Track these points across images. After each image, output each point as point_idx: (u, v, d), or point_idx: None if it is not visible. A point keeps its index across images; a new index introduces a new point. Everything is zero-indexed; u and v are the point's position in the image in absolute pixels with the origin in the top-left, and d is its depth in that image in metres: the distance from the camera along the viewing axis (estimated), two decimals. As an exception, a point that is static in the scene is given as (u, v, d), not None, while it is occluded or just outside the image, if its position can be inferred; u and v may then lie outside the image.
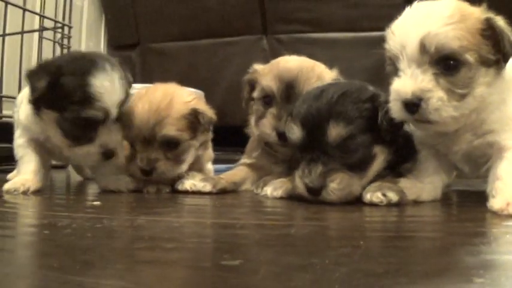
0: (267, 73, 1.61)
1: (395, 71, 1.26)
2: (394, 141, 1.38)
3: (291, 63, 1.61)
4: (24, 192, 1.49)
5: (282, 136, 1.51)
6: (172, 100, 1.58)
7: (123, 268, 0.74)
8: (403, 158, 1.44)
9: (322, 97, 1.34)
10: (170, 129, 1.55)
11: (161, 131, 1.54)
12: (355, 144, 1.33)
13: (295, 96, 1.51)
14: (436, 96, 1.20)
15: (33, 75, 1.46)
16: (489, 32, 1.22)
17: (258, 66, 1.69)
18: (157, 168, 1.56)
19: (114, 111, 1.48)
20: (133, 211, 1.34)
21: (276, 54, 3.13)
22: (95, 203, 1.38)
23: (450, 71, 1.21)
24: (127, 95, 1.54)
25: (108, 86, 1.45)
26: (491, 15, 1.24)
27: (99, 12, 3.92)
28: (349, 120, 1.31)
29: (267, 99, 1.59)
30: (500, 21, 1.24)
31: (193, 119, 1.60)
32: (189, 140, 1.60)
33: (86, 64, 1.47)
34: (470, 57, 1.21)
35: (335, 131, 1.31)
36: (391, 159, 1.40)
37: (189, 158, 1.64)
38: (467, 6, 1.26)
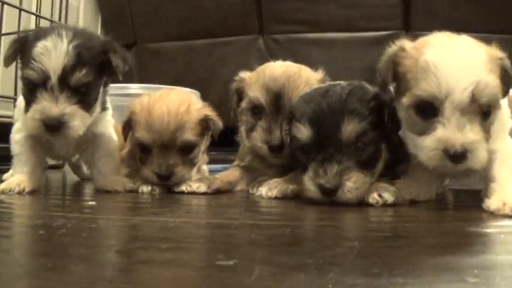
0: (254, 83, 1.60)
1: (429, 114, 1.21)
2: (391, 140, 1.39)
3: (277, 71, 1.59)
4: (20, 193, 1.49)
5: (273, 149, 1.52)
6: (190, 106, 1.61)
7: (118, 268, 0.74)
8: (398, 157, 1.44)
9: (330, 96, 1.34)
10: (190, 134, 1.58)
11: (182, 135, 1.56)
12: (367, 141, 1.33)
13: (284, 107, 1.51)
14: (482, 147, 1.19)
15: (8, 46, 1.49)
16: (502, 72, 1.23)
17: (244, 74, 1.68)
18: (176, 173, 1.58)
19: (54, 75, 1.38)
20: (128, 211, 1.34)
21: (272, 54, 3.15)
22: (91, 203, 1.38)
23: (485, 117, 1.21)
24: (82, 64, 1.41)
25: (49, 47, 1.39)
26: (502, 54, 1.25)
27: (95, 12, 3.91)
28: (362, 117, 1.31)
29: (256, 110, 1.59)
30: (506, 60, 1.25)
31: (204, 125, 1.65)
32: (200, 144, 1.64)
33: (44, 30, 1.47)
34: (501, 101, 1.23)
35: (350, 128, 1.30)
36: (388, 159, 1.41)
37: (199, 161, 1.69)
38: (487, 46, 1.25)
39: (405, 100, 1.24)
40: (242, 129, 1.68)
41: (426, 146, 1.21)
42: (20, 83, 1.61)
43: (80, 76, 1.41)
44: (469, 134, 1.17)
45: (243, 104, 1.63)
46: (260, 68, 1.65)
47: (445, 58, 1.19)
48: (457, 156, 1.17)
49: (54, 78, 1.38)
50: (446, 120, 1.18)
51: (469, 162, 1.18)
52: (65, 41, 1.40)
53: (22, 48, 1.45)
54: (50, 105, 1.39)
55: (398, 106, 1.31)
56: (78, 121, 1.43)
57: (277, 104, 1.54)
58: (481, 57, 1.20)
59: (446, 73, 1.17)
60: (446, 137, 1.17)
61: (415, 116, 1.24)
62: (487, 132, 1.22)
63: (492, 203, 1.20)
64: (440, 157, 1.19)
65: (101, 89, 1.53)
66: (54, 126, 1.40)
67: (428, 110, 1.21)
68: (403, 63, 1.27)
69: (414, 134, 1.26)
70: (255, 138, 1.56)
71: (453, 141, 1.17)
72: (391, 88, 1.36)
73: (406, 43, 1.30)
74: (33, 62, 1.38)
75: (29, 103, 1.43)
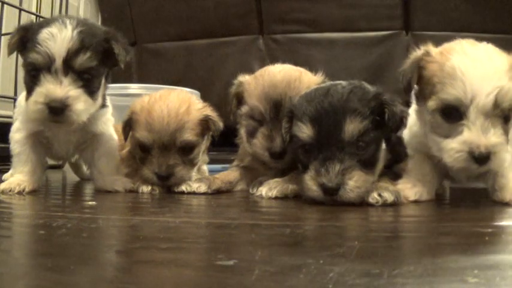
0: (253, 90, 1.58)
1: (455, 117, 1.25)
2: (391, 140, 1.39)
3: (277, 77, 1.56)
4: (20, 193, 1.49)
5: (274, 156, 1.52)
6: (190, 106, 1.61)
7: (118, 268, 0.74)
8: (398, 157, 1.44)
9: (331, 95, 1.34)
10: (190, 135, 1.58)
11: (182, 136, 1.57)
12: (368, 140, 1.33)
13: (284, 113, 1.49)
14: (504, 149, 1.25)
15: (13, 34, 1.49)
16: None
17: (243, 78, 1.65)
18: (176, 173, 1.58)
19: (59, 58, 1.39)
20: (128, 211, 1.34)
21: (272, 54, 3.15)
22: (91, 203, 1.38)
23: (506, 121, 1.26)
24: (86, 48, 1.43)
25: (54, 32, 1.40)
26: None
27: (95, 12, 3.92)
28: (363, 116, 1.32)
29: (256, 117, 1.57)
30: None
31: (205, 125, 1.65)
32: (200, 144, 1.64)
33: (47, 20, 1.49)
34: None
35: (352, 127, 1.30)
36: (389, 158, 1.41)
37: (199, 161, 1.69)
38: (507, 54, 1.29)
39: (431, 104, 1.28)
40: (242, 132, 1.67)
41: (452, 148, 1.25)
42: (19, 84, 1.61)
43: (84, 59, 1.42)
44: (493, 137, 1.22)
45: (243, 109, 1.62)
46: (259, 73, 1.62)
47: (470, 64, 1.24)
48: (481, 158, 1.22)
49: (58, 61, 1.39)
50: (471, 123, 1.23)
51: (491, 164, 1.24)
52: (69, 27, 1.42)
53: (26, 36, 1.44)
54: (54, 88, 1.39)
55: (421, 108, 1.35)
56: (81, 105, 1.43)
57: (277, 110, 1.52)
58: (503, 65, 1.25)
59: (472, 79, 1.22)
60: (471, 140, 1.23)
61: (441, 119, 1.28)
62: (506, 135, 1.27)
63: (508, 192, 1.31)
64: (465, 159, 1.24)
65: (103, 81, 1.53)
66: (57, 108, 1.40)
67: (454, 114, 1.25)
68: (429, 67, 1.31)
69: (439, 137, 1.30)
70: (256, 145, 1.55)
71: (478, 144, 1.22)
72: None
73: (431, 48, 1.34)
74: (38, 46, 1.39)
75: (31, 89, 1.43)
